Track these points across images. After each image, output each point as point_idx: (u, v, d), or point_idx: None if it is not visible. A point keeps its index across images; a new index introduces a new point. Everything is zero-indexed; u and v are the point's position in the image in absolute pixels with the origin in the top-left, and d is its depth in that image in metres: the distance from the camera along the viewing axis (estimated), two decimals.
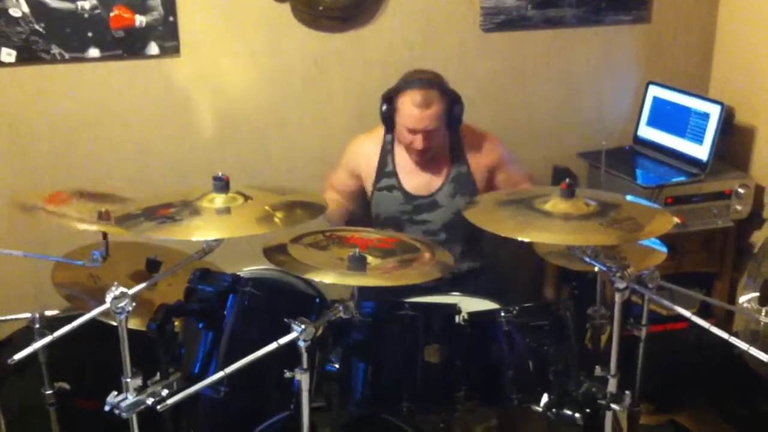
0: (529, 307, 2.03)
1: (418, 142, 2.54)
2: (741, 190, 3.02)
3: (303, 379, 1.74)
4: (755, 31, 3.16)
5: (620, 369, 1.84)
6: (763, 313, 2.73)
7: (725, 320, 3.08)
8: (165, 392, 1.77)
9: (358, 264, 1.88)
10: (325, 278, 1.84)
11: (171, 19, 2.82)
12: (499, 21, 3.11)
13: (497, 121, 3.15)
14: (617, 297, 1.78)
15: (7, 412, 2.58)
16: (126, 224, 1.85)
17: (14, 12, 2.68)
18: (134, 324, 1.82)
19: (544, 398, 1.89)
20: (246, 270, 2.79)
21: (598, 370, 1.92)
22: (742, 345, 1.69)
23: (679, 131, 3.10)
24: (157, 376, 1.81)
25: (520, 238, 1.82)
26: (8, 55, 2.71)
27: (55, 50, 2.75)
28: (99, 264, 2.00)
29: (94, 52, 2.78)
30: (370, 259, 1.94)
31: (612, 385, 1.84)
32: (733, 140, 3.13)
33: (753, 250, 3.09)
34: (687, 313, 1.76)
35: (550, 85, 3.26)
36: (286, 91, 3.02)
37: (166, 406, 1.73)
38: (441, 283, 2.31)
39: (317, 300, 2.00)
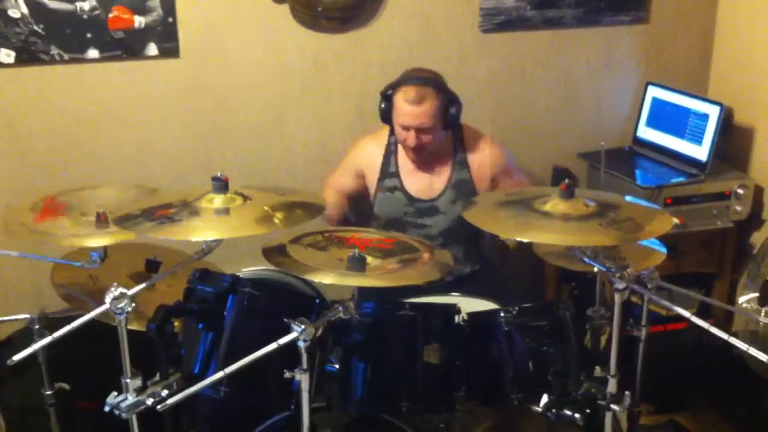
0: (528, 308, 2.03)
1: (411, 139, 2.54)
2: (740, 191, 3.02)
3: (303, 379, 1.75)
4: (754, 31, 3.16)
5: (620, 369, 1.84)
6: (762, 314, 2.73)
7: (725, 321, 3.08)
8: (165, 392, 1.77)
9: (358, 264, 1.88)
10: (324, 279, 1.84)
11: (170, 20, 2.81)
12: (498, 22, 3.11)
13: (496, 121, 3.15)
14: (617, 297, 1.78)
15: (8, 412, 2.59)
16: (125, 225, 1.85)
17: (13, 13, 2.68)
18: (134, 325, 1.82)
19: (544, 398, 1.89)
20: (245, 270, 2.78)
21: (597, 371, 1.92)
22: (742, 345, 1.68)
23: (679, 132, 3.11)
24: (157, 377, 1.81)
25: (519, 239, 1.83)
26: (7, 55, 2.71)
27: (54, 51, 2.75)
28: (97, 265, 2.00)
29: (93, 53, 2.78)
30: (369, 259, 1.94)
31: (612, 386, 1.84)
32: (732, 141, 3.13)
33: (752, 251, 3.09)
34: (686, 314, 1.76)
35: (549, 85, 3.26)
36: (285, 91, 3.02)
37: (166, 407, 1.73)
38: (440, 285, 2.31)
39: (317, 300, 2.00)
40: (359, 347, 1.94)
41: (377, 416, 2.14)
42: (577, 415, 1.85)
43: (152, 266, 2.31)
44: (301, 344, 1.71)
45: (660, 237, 2.02)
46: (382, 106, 2.58)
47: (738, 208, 3.04)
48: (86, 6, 2.73)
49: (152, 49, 2.83)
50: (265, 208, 1.89)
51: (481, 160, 2.69)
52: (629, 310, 2.00)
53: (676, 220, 2.54)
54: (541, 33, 3.17)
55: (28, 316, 2.05)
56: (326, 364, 1.84)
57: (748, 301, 2.78)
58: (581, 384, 1.89)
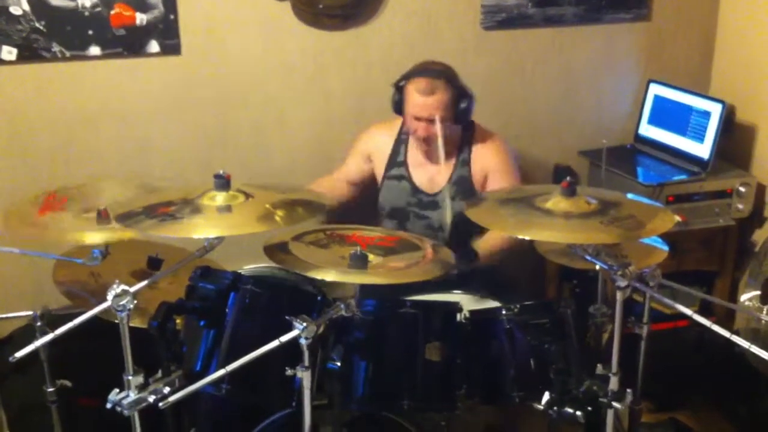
0: (530, 306, 2.03)
1: (421, 129, 2.57)
2: (742, 189, 3.02)
3: (304, 376, 1.75)
4: (756, 28, 3.15)
5: (621, 367, 1.83)
6: (764, 312, 2.73)
7: (726, 318, 3.07)
8: (167, 390, 1.78)
9: (359, 262, 1.88)
10: (326, 276, 1.84)
11: (171, 17, 2.81)
12: (499, 19, 3.11)
13: (498, 119, 3.14)
14: (618, 295, 1.78)
15: (9, 409, 2.59)
16: (127, 222, 1.85)
17: (15, 10, 2.67)
18: (135, 322, 1.82)
19: (546, 396, 1.89)
20: (247, 268, 2.78)
21: (599, 369, 1.92)
22: (744, 343, 1.69)
23: (680, 129, 3.10)
24: (159, 374, 1.81)
25: (521, 237, 1.82)
26: (9, 53, 2.71)
27: (56, 48, 2.74)
28: (98, 262, 1.99)
29: (94, 50, 2.78)
30: (371, 257, 1.94)
31: (613, 383, 1.84)
32: (734, 138, 3.13)
33: (754, 249, 3.09)
34: (688, 312, 1.77)
35: (550, 83, 3.26)
36: (286, 89, 3.01)
37: (168, 404, 1.73)
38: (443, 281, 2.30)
39: (319, 298, 2.00)
40: (361, 345, 1.95)
41: (378, 414, 2.15)
42: (578, 413, 1.85)
43: (154, 263, 2.31)
44: (302, 342, 1.71)
45: (661, 235, 2.02)
46: (395, 97, 2.62)
47: (740, 206, 3.04)
48: (88, 3, 2.73)
49: (154, 46, 2.83)
50: (267, 205, 1.89)
51: (481, 156, 2.69)
52: (631, 307, 2.00)
53: (677, 218, 2.53)
54: (543, 30, 3.17)
55: (30, 313, 2.05)
56: (328, 361, 1.85)
57: (749, 299, 2.78)
58: (582, 382, 1.89)
